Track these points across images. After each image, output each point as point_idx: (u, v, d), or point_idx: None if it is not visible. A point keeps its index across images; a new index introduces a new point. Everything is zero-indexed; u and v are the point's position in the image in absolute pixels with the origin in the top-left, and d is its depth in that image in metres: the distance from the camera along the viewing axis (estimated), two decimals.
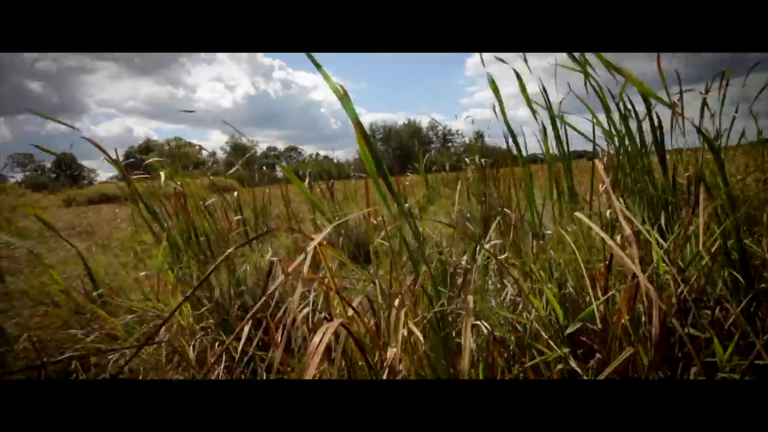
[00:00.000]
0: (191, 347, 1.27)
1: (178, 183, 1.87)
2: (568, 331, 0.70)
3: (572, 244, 0.87)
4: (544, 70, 1.80)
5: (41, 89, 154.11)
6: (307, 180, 1.99)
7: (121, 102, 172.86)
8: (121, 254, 2.56)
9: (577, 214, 0.77)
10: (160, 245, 1.63)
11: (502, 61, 1.61)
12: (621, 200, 1.47)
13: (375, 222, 1.97)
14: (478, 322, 0.80)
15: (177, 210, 1.84)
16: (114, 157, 1.72)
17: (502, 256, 1.42)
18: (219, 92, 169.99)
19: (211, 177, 2.47)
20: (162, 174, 1.91)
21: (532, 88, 1.74)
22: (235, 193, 2.36)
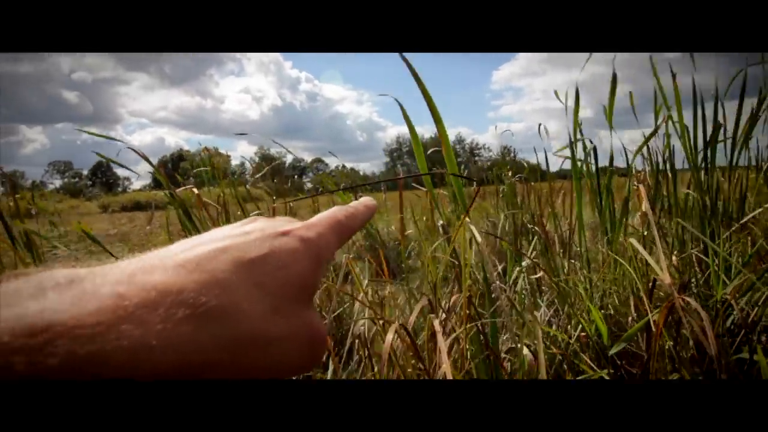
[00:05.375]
0: None
1: (222, 192, 1.93)
2: (612, 351, 0.69)
3: (627, 266, 0.86)
4: (574, 83, 1.77)
5: (77, 99, 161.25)
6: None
7: (153, 112, 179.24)
8: None
9: (632, 240, 0.76)
10: None
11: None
12: (664, 221, 1.45)
13: (406, 235, 1.98)
14: (524, 346, 0.80)
15: (218, 218, 1.90)
16: (150, 165, 1.79)
17: (536, 276, 1.41)
18: (246, 104, 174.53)
19: (247, 187, 2.54)
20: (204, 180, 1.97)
21: (563, 101, 1.73)
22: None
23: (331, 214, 0.30)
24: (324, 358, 1.01)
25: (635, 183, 1.81)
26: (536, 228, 2.10)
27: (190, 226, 1.86)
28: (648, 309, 0.72)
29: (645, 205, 0.78)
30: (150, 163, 1.72)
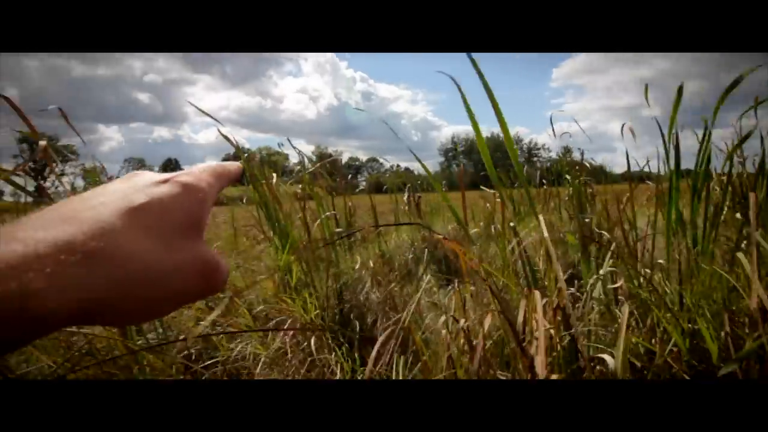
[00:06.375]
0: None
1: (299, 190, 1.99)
2: (722, 372, 0.63)
3: (731, 280, 0.78)
4: (640, 80, 1.67)
5: (148, 100, 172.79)
6: (406, 195, 2.00)
7: (216, 112, 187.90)
8: (227, 255, 2.73)
9: (740, 255, 0.69)
10: (271, 246, 1.72)
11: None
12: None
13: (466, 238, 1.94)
14: (605, 355, 0.75)
15: (294, 214, 1.96)
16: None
17: (615, 285, 1.32)
18: (303, 103, 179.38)
19: (302, 185, 2.60)
20: (274, 176, 2.03)
21: (628, 100, 1.62)
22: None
23: (207, 164, 0.33)
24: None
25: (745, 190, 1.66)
26: (606, 234, 1.98)
27: (269, 223, 1.90)
28: (761, 329, 0.65)
29: (751, 217, 0.70)
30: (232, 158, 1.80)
